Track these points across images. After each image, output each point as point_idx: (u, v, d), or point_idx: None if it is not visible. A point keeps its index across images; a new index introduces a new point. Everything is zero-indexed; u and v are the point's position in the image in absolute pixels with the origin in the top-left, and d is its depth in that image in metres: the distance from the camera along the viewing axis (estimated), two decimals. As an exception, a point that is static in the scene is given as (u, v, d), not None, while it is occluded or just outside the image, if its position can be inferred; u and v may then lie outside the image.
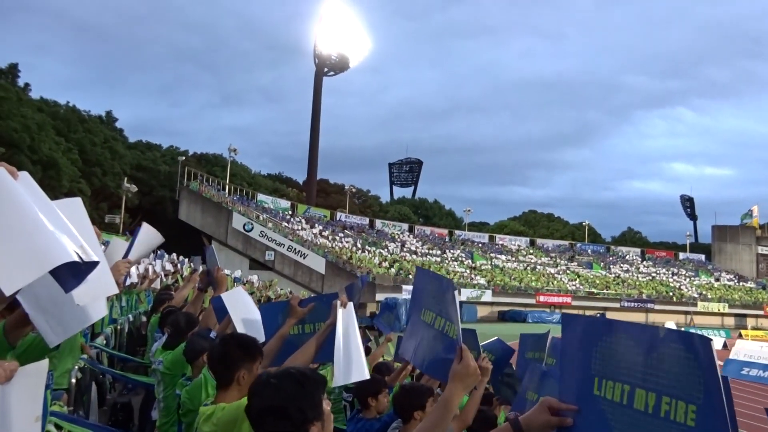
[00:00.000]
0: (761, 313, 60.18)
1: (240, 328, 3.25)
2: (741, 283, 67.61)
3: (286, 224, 51.58)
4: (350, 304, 2.90)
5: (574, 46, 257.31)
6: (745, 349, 30.81)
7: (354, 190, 74.01)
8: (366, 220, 63.67)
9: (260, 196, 57.22)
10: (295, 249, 45.98)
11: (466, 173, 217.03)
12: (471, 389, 1.84)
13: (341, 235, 55.46)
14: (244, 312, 3.45)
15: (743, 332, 50.07)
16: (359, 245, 53.98)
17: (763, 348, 33.13)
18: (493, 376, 4.65)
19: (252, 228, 46.13)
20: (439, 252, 59.17)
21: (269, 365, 2.91)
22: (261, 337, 3.12)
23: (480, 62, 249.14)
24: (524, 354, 4.84)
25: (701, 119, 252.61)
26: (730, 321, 57.61)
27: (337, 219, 60.33)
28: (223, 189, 53.34)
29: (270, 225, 48.13)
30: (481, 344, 4.15)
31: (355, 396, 4.23)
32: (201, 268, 13.12)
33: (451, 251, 60.37)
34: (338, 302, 2.86)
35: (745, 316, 58.98)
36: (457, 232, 68.42)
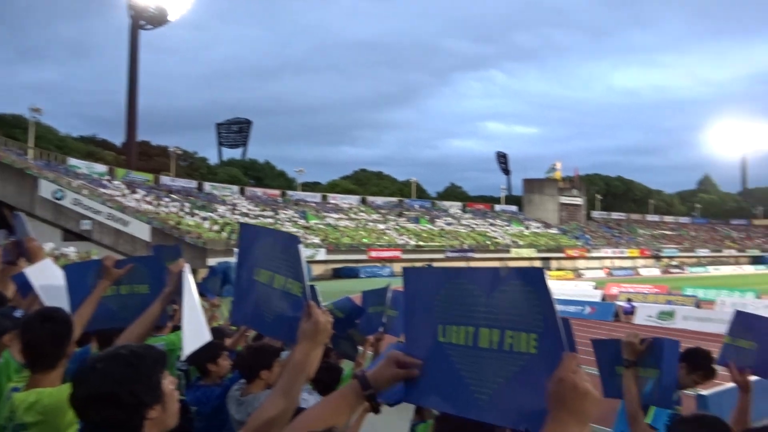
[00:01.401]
0: (563, 255, 67.97)
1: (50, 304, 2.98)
2: (546, 230, 75.58)
3: (104, 190, 47.74)
4: (186, 266, 2.77)
5: (398, 7, 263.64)
6: (550, 288, 34.68)
7: (179, 152, 70.13)
8: (194, 184, 60.85)
9: (72, 161, 52.08)
10: (115, 217, 42.74)
11: (297, 134, 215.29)
12: (322, 345, 1.79)
13: (167, 199, 52.60)
14: (54, 287, 3.15)
15: (549, 273, 56.14)
16: (187, 210, 51.70)
17: (564, 285, 37.61)
18: (338, 331, 4.80)
19: (63, 196, 41.91)
20: (272, 213, 58.60)
21: (83, 331, 2.74)
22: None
23: (307, 21, 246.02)
24: (367, 309, 5.02)
25: (511, 82, 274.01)
26: (537, 264, 64.21)
27: (162, 183, 57.03)
28: (26, 153, 47.80)
29: (85, 192, 44.17)
30: (330, 302, 4.22)
31: (192, 364, 4.12)
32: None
33: (285, 212, 60.11)
34: (179, 266, 2.71)
35: (549, 258, 66.14)
36: (289, 192, 68.05)
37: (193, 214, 51.05)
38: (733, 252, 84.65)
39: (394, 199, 75.71)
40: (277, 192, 67.05)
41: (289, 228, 54.95)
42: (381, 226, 63.89)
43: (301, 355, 1.69)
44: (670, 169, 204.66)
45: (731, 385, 3.37)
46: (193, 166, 79.62)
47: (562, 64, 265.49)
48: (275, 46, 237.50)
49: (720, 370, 3.45)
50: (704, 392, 6.69)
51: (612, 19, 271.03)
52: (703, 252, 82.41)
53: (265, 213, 58.10)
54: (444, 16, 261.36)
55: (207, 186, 61.20)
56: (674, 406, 2.90)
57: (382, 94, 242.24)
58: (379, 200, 73.66)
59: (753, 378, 3.11)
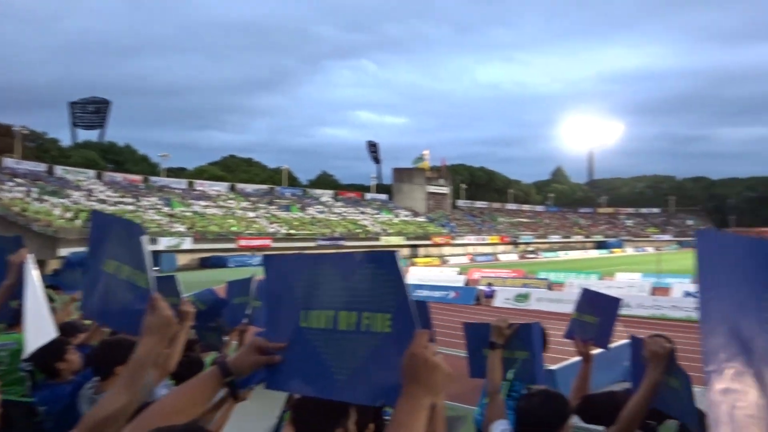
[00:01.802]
0: (430, 243, 70.52)
1: None
2: (415, 218, 77.97)
3: (-66, 173, 42.59)
4: (29, 258, 2.56)
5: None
6: (417, 274, 35.90)
7: (26, 132, 64.04)
8: (43, 167, 55.83)
9: None
10: (-52, 202, 38.36)
11: (161, 117, 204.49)
12: (170, 338, 1.72)
13: (11, 183, 47.91)
14: None
15: (416, 260, 58.06)
16: (35, 195, 47.42)
17: (431, 272, 38.96)
18: (201, 323, 4.66)
19: None
20: (133, 200, 55.30)
21: None
22: None
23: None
24: (232, 300, 4.91)
25: (382, 72, 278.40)
26: (406, 251, 66.15)
27: (5, 166, 51.79)
28: None
29: None
30: (191, 293, 4.09)
31: (36, 363, 3.82)
32: None
33: (147, 199, 56.98)
34: (20, 258, 2.49)
35: (417, 246, 68.39)
36: (152, 178, 64.54)
37: (41, 200, 46.93)
38: (581, 238, 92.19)
39: (265, 187, 74.39)
40: (139, 177, 63.32)
41: (152, 216, 52.24)
42: (251, 215, 62.56)
43: (144, 349, 1.64)
44: (528, 161, 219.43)
45: (576, 359, 3.71)
46: (42, 148, 73.03)
47: (431, 56, 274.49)
48: (137, 22, 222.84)
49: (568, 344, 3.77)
50: (552, 367, 7.27)
51: (477, 15, 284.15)
52: (555, 238, 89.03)
53: (125, 200, 54.69)
54: (315, 1, 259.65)
55: (58, 170, 56.42)
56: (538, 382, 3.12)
57: (251, 79, 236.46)
58: (249, 187, 72.02)
59: (596, 351, 3.45)
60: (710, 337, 1.09)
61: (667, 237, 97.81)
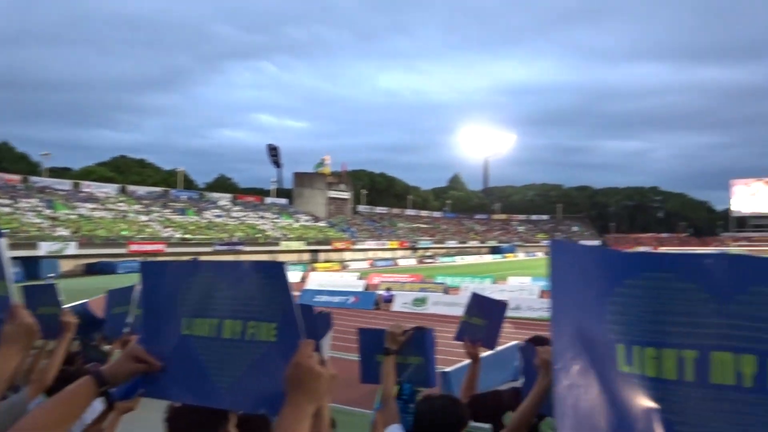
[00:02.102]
0: (330, 247, 70.45)
1: None
2: (316, 223, 77.64)
3: None
4: None
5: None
6: (317, 279, 35.78)
7: None
8: None
9: None
10: None
11: (43, 112, 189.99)
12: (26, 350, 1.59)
13: None
14: None
15: (316, 265, 57.85)
16: None
17: (331, 277, 38.96)
18: (83, 336, 4.40)
19: None
20: (10, 201, 51.20)
21: None
22: None
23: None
24: (111, 310, 4.68)
25: (283, 74, 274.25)
26: (306, 256, 65.71)
27: None
28: None
29: None
30: (70, 306, 3.86)
31: None
32: None
33: (27, 200, 52.95)
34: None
35: (317, 251, 68.12)
36: (33, 178, 60.03)
37: None
38: (477, 243, 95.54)
39: (159, 189, 71.32)
40: (17, 177, 58.66)
41: (32, 219, 48.67)
42: (143, 218, 59.77)
43: (1, 359, 1.52)
44: (427, 167, 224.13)
45: (468, 361, 3.85)
46: None
47: (332, 61, 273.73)
48: (15, 8, 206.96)
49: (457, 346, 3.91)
50: (447, 369, 7.47)
51: (378, 23, 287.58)
52: (452, 243, 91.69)
53: (1, 201, 50.59)
54: (213, 0, 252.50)
55: None
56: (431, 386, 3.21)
57: (144, 76, 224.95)
58: (141, 190, 68.75)
59: (486, 353, 3.60)
60: (559, 337, 1.15)
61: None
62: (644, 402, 1.10)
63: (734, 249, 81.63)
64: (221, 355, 1.43)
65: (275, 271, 1.39)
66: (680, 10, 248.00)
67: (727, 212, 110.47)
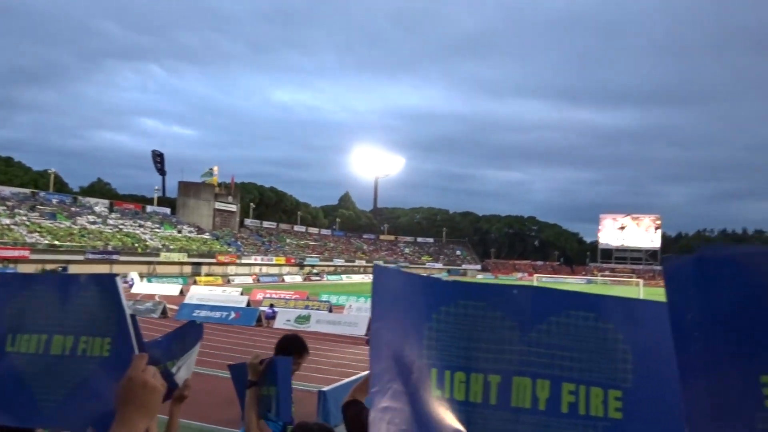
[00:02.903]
0: (214, 261, 68.28)
1: None
2: (200, 235, 74.98)
3: None
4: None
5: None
6: (198, 293, 34.49)
7: None
8: None
9: None
10: None
11: None
12: None
13: None
14: None
15: (198, 278, 55.80)
16: None
17: (212, 291, 37.72)
18: None
19: None
20: None
21: None
22: None
23: None
24: None
25: (171, 79, 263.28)
26: (188, 269, 63.20)
27: None
28: None
29: None
30: None
31: None
32: None
33: None
34: None
35: (201, 264, 65.78)
36: None
37: None
38: (363, 262, 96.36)
39: (26, 191, 65.89)
40: None
41: None
42: (7, 221, 54.90)
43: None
44: (318, 184, 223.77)
45: (346, 380, 3.86)
46: None
47: (225, 70, 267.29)
48: None
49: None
50: (325, 388, 7.47)
51: (273, 37, 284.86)
52: (339, 261, 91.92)
53: None
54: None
55: None
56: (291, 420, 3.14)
57: (15, 68, 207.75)
58: (6, 190, 63.15)
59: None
60: (377, 361, 1.21)
61: (438, 265, 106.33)
62: (453, 424, 1.15)
63: (599, 278, 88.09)
64: (48, 372, 1.37)
65: (108, 284, 1.37)
66: (561, 55, 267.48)
67: (595, 244, 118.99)
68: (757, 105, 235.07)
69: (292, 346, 3.93)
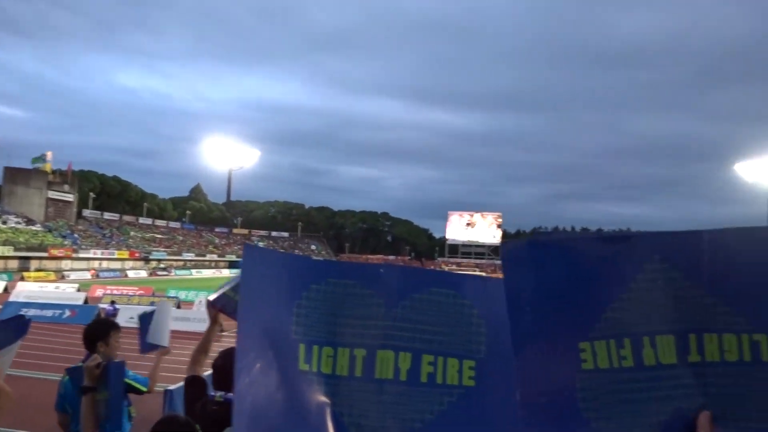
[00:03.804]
0: (46, 255, 62.36)
1: None
2: (29, 226, 68.06)
3: None
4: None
5: None
6: (26, 290, 31.37)
7: None
8: None
9: None
10: None
11: None
12: None
13: None
14: None
15: (26, 274, 50.80)
16: None
17: (43, 288, 34.52)
18: None
19: None
20: None
21: None
22: None
23: None
24: None
25: None
26: (14, 264, 57.21)
27: None
28: None
29: None
30: None
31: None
32: None
33: None
34: None
35: (30, 258, 59.77)
36: None
37: None
38: (215, 257, 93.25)
39: None
40: None
41: None
42: None
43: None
44: (167, 175, 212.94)
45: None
46: None
47: (61, 47, 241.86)
48: None
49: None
50: (171, 387, 7.11)
51: (119, 14, 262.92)
52: (189, 256, 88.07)
53: None
54: None
55: None
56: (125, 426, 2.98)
57: None
58: None
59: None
60: (244, 338, 1.24)
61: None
62: (319, 397, 1.22)
63: (462, 270, 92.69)
64: None
65: None
66: (419, 57, 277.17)
67: (443, 239, 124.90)
68: (588, 115, 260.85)
69: (97, 329, 3.94)
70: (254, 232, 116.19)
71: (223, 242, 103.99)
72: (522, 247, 1.08)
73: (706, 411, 0.97)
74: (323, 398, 1.22)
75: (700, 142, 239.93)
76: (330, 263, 1.32)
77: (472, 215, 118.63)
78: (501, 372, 1.18)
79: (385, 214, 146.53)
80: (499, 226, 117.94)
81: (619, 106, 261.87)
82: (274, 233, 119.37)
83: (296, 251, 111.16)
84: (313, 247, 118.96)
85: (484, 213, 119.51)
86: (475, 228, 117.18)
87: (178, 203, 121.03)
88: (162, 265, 76.67)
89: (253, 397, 1.21)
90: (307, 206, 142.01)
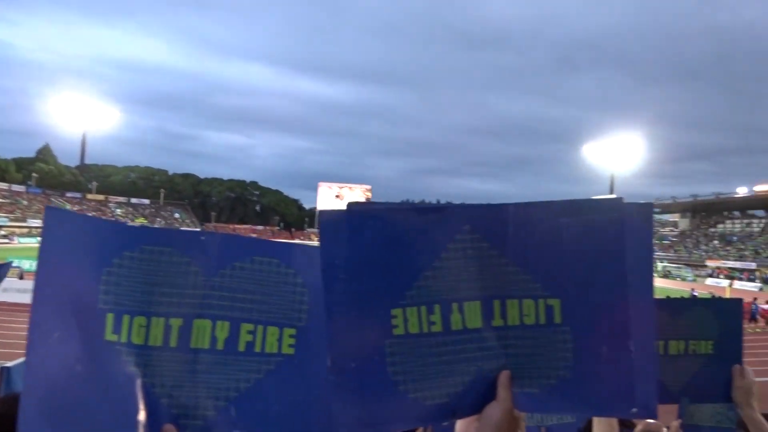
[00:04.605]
0: None
1: None
2: None
3: None
4: None
5: None
6: None
7: None
8: None
9: None
10: None
11: None
12: None
13: None
14: None
15: None
16: None
17: None
18: None
19: None
20: None
21: None
22: None
23: None
24: None
25: None
26: None
27: None
28: None
29: None
30: None
31: None
32: None
33: None
34: None
35: None
36: None
37: None
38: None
39: None
40: None
41: None
42: None
43: None
44: (9, 133, 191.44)
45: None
46: None
47: None
48: None
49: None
50: (9, 364, 6.58)
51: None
52: (35, 222, 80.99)
53: None
54: None
55: None
56: None
57: None
58: None
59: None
60: (40, 306, 1.12)
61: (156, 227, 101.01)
62: (127, 368, 1.13)
63: (315, 242, 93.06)
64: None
65: None
66: (288, 23, 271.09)
67: (314, 210, 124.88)
68: (453, 93, 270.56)
69: None
70: (111, 198, 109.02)
71: (75, 208, 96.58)
72: (340, 216, 1.07)
73: (506, 371, 1.06)
74: (132, 369, 1.13)
75: (553, 124, 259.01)
76: (145, 229, 1.21)
77: (341, 187, 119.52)
78: (322, 340, 1.12)
79: (254, 183, 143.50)
80: (368, 199, 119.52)
81: (482, 87, 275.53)
82: (134, 200, 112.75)
83: (159, 219, 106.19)
84: (176, 215, 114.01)
85: (352, 185, 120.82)
86: (344, 200, 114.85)
87: (22, 164, 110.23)
88: (2, 232, 69.84)
89: (47, 370, 1.10)
90: (171, 173, 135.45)
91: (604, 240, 1.05)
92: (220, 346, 1.17)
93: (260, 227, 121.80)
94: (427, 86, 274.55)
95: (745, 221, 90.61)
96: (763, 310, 26.79)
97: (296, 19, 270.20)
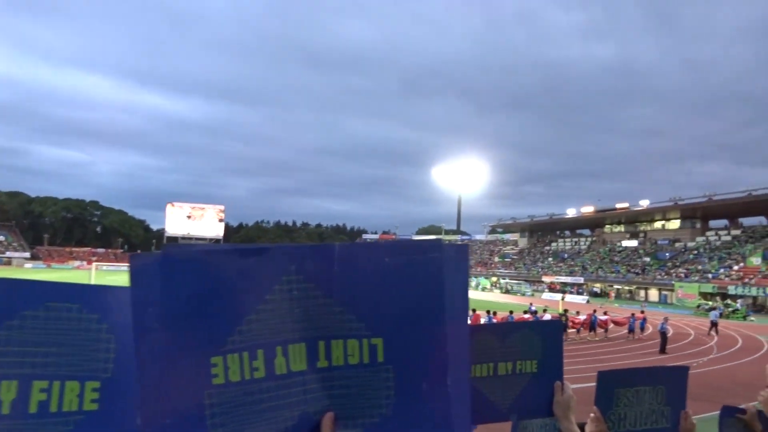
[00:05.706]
0: None
1: None
2: None
3: None
4: None
5: None
6: None
7: None
8: None
9: None
10: None
11: None
12: None
13: None
14: None
15: None
16: None
17: None
18: None
19: None
20: None
21: None
22: None
23: None
24: None
25: None
26: None
27: None
28: None
29: None
30: None
31: None
32: None
33: None
34: None
35: None
36: None
37: None
38: None
39: None
40: None
41: None
42: None
43: None
44: None
45: None
46: None
47: None
48: None
49: None
50: None
51: None
52: None
53: None
54: None
55: None
56: None
57: None
58: None
59: None
60: None
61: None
62: None
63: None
64: None
65: None
66: (130, 34, 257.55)
67: (162, 231, 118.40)
68: (306, 114, 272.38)
69: None
70: None
71: None
72: (152, 260, 0.98)
73: (329, 413, 1.05)
74: None
75: (404, 147, 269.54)
76: None
77: (193, 207, 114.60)
78: (131, 391, 1.03)
79: (94, 203, 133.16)
80: (221, 220, 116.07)
81: (334, 109, 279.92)
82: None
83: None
84: (2, 237, 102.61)
85: (205, 205, 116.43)
86: (197, 221, 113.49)
87: None
88: None
89: None
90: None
91: (423, 279, 1.07)
92: (5, 410, 1.02)
93: (101, 250, 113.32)
94: (279, 106, 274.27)
95: (574, 240, 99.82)
96: (602, 321, 29.39)
97: (138, 30, 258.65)
